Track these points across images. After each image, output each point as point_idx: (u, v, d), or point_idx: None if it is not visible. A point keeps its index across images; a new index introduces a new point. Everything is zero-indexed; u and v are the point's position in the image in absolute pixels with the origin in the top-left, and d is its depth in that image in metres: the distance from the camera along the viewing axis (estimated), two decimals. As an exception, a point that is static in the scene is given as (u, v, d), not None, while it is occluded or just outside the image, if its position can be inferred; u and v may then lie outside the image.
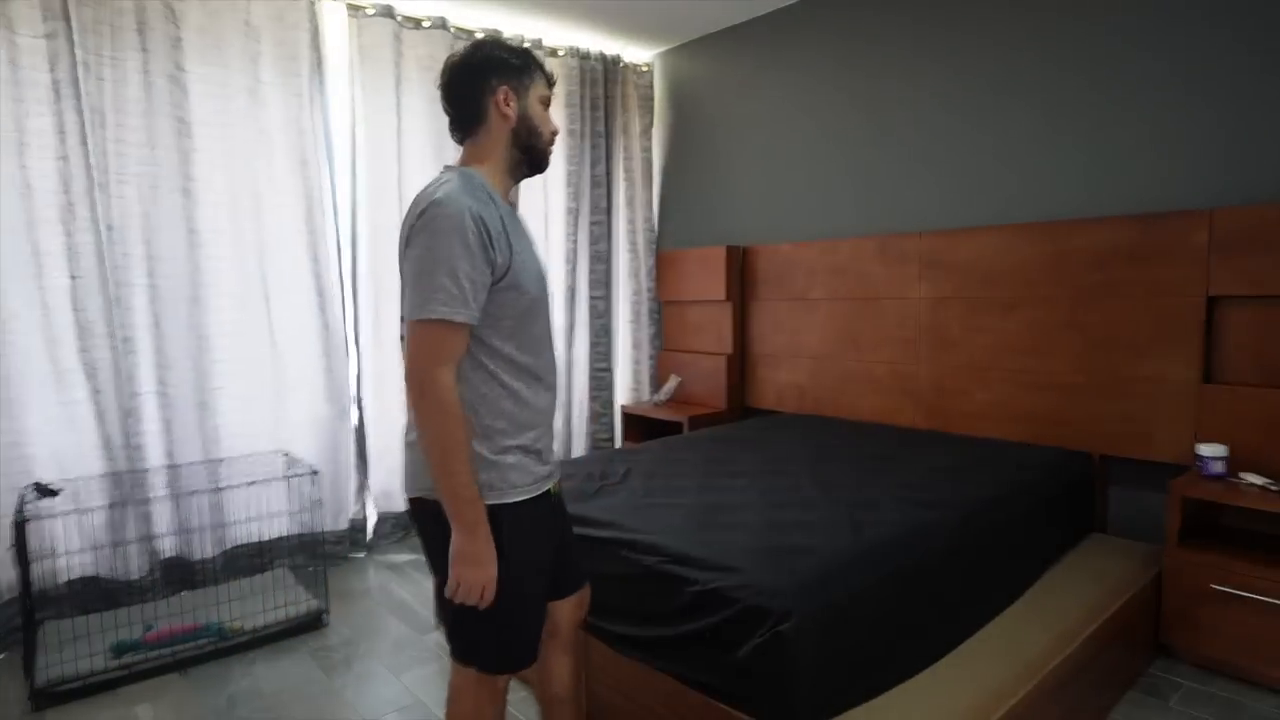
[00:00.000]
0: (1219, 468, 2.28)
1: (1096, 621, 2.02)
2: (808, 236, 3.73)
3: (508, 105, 1.42)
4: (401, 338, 1.36)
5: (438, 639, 2.61)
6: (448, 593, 1.32)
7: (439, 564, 1.38)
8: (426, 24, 3.59)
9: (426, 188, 1.35)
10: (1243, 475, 2.26)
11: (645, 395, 4.50)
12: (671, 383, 4.22)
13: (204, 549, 2.99)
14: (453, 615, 1.40)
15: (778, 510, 2.11)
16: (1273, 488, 2.17)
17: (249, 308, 3.15)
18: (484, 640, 1.40)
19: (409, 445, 1.42)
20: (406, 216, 1.35)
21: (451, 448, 1.27)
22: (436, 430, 1.27)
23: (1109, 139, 2.68)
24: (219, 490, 2.96)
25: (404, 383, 1.30)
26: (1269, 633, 2.10)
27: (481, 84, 1.42)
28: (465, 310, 1.27)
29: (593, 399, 4.31)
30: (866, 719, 1.56)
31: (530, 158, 1.49)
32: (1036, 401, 2.83)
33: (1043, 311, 2.80)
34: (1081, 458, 2.69)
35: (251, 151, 3.12)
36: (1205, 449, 2.31)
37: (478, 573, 1.29)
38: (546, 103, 1.49)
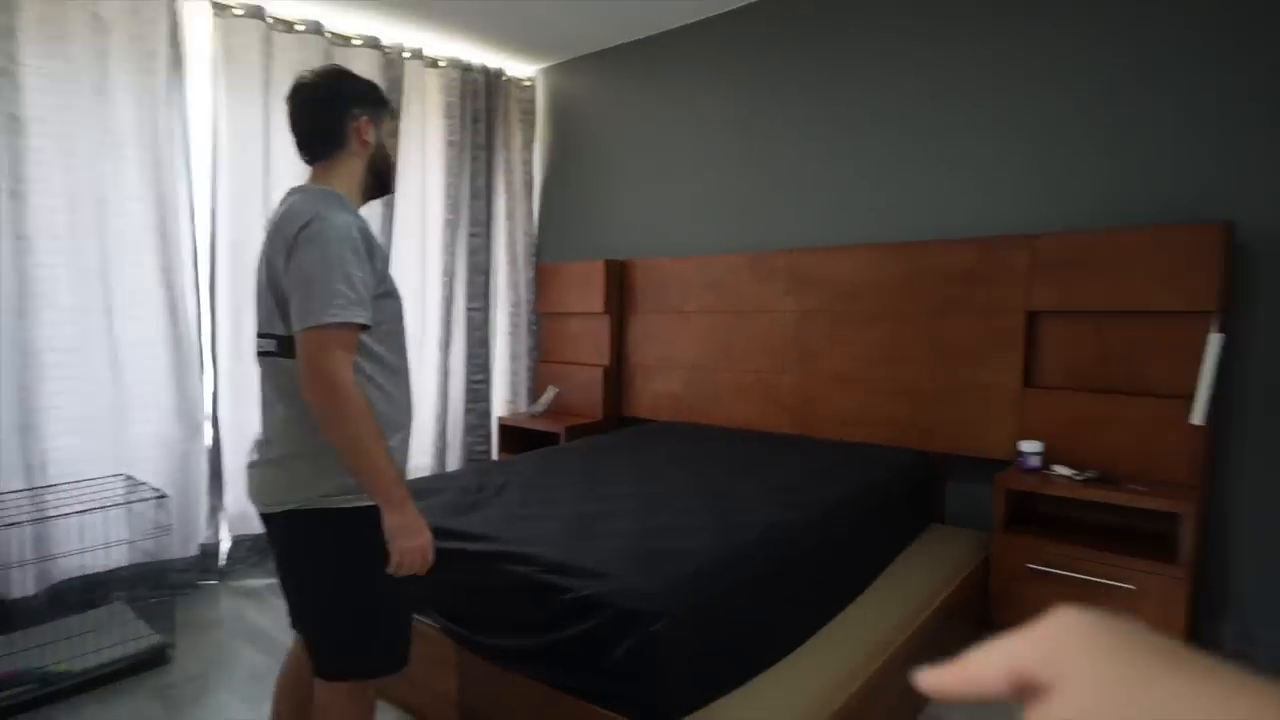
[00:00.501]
0: (1035, 462, 2.56)
1: (935, 603, 2.21)
2: (684, 252, 3.86)
3: (367, 134, 1.51)
4: (266, 352, 1.43)
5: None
6: (396, 570, 1.39)
7: (320, 574, 1.43)
8: (300, 28, 3.45)
9: (293, 205, 1.41)
10: (1055, 468, 2.54)
11: (523, 406, 4.48)
12: (549, 394, 4.22)
13: (24, 586, 2.68)
14: (326, 627, 1.42)
15: (652, 516, 2.16)
16: (1078, 478, 2.46)
17: (87, 321, 2.88)
18: (364, 643, 1.44)
19: (273, 461, 1.43)
20: (278, 232, 1.39)
21: (371, 437, 1.33)
22: (355, 425, 1.31)
23: (952, 168, 2.97)
24: (42, 520, 2.66)
25: (305, 386, 1.31)
26: (1073, 602, 2.37)
27: (344, 111, 1.49)
28: (363, 312, 1.34)
29: (468, 410, 4.24)
30: (732, 707, 1.63)
31: (380, 182, 1.59)
32: (891, 407, 3.06)
33: (897, 325, 3.04)
34: (927, 457, 2.93)
35: (97, 152, 2.88)
36: (1024, 445, 2.59)
37: (417, 540, 1.38)
38: (393, 134, 1.59)
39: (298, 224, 1.35)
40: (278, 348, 1.42)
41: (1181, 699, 0.24)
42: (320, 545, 1.41)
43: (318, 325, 1.29)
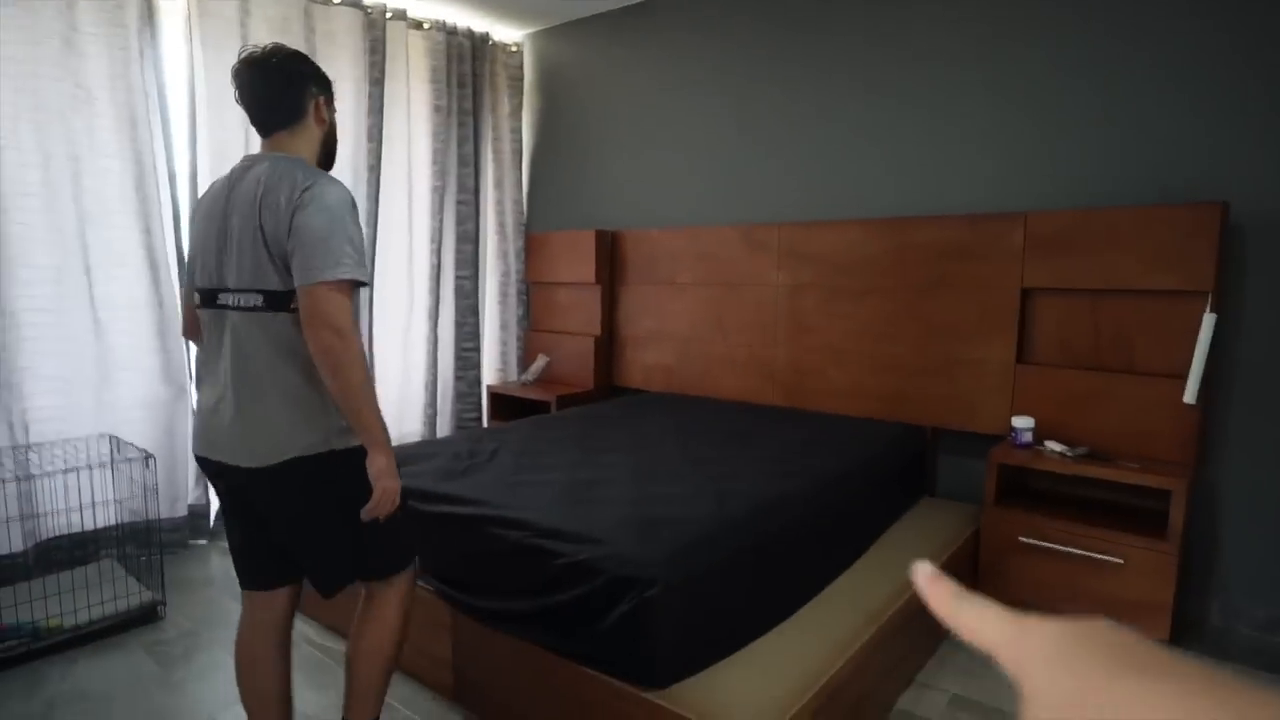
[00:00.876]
0: (1028, 437, 2.59)
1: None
2: (675, 223, 3.84)
3: (324, 112, 1.63)
4: (250, 307, 1.46)
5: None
6: (371, 510, 1.46)
7: (323, 516, 1.52)
8: (278, -19, 3.36)
9: (273, 171, 1.47)
10: (1047, 443, 2.57)
11: (513, 375, 4.47)
12: (540, 363, 4.21)
13: (11, 542, 2.67)
14: (368, 543, 1.57)
15: (645, 485, 2.17)
16: (1069, 454, 2.49)
17: (66, 281, 2.83)
18: (402, 539, 1.64)
19: (261, 415, 1.45)
20: (268, 194, 1.44)
21: (369, 384, 1.44)
22: (361, 373, 1.41)
23: (946, 144, 2.95)
24: (27, 478, 2.64)
25: (314, 334, 1.38)
26: (1063, 576, 2.42)
27: (305, 88, 1.57)
28: (363, 271, 1.44)
29: (458, 378, 4.23)
30: (725, 674, 1.65)
31: (329, 157, 1.68)
32: (882, 381, 3.08)
33: (889, 300, 3.04)
34: (919, 431, 2.96)
35: (67, 107, 2.79)
36: (1017, 421, 2.61)
37: (396, 482, 1.50)
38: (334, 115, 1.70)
39: (294, 189, 1.42)
40: (265, 302, 1.45)
41: (1133, 708, 0.25)
42: (334, 484, 1.49)
43: (329, 280, 1.38)
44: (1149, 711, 0.25)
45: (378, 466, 1.46)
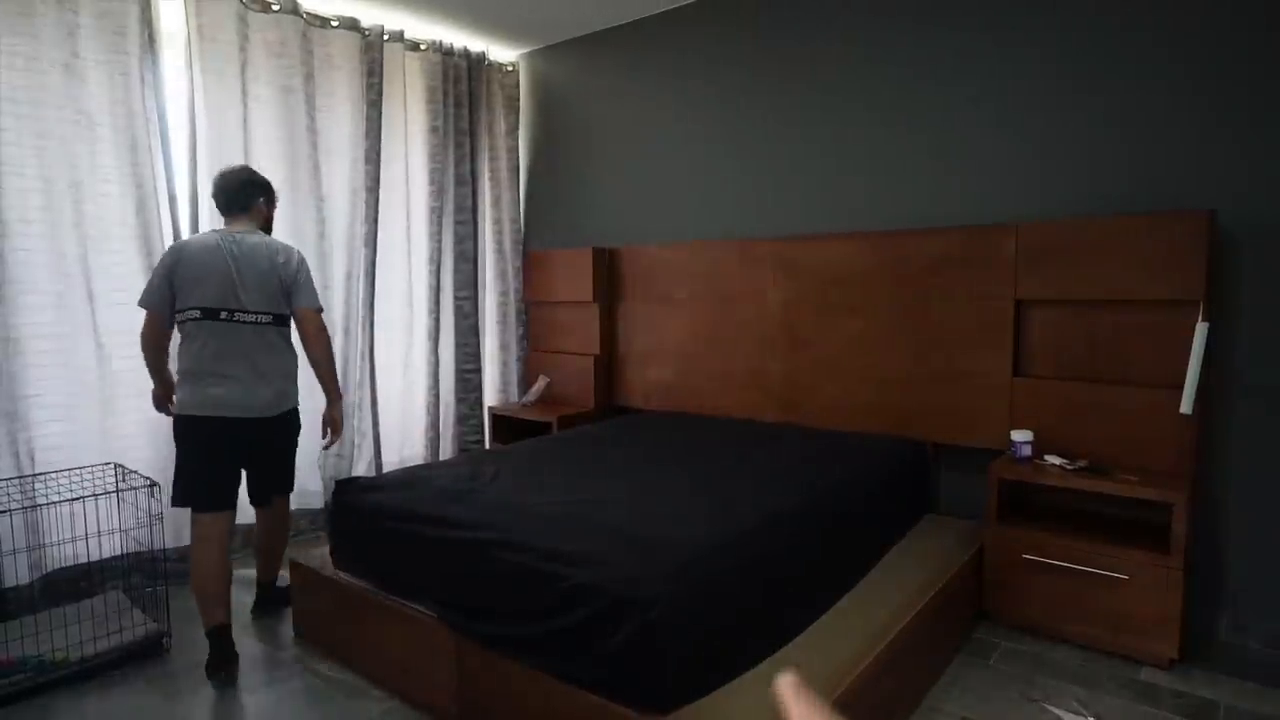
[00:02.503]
0: (1027, 450, 2.59)
1: (929, 594, 2.24)
2: (671, 239, 3.86)
3: (267, 211, 2.65)
4: (265, 323, 2.45)
5: (296, 654, 2.49)
6: (329, 443, 2.76)
7: (291, 446, 2.63)
8: (276, 7, 3.39)
9: (261, 241, 2.49)
10: (1046, 457, 2.58)
11: (514, 396, 4.48)
12: (540, 383, 4.22)
13: (17, 574, 2.67)
14: (289, 469, 2.65)
15: (646, 505, 2.18)
16: (1069, 467, 2.49)
17: (69, 307, 2.84)
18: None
19: (274, 386, 2.46)
20: (272, 254, 2.47)
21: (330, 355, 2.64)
22: (331, 358, 2.63)
23: (937, 157, 2.98)
24: (33, 508, 2.65)
25: (314, 338, 2.55)
26: (1069, 594, 2.42)
27: (259, 194, 2.61)
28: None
29: (460, 400, 4.24)
30: (731, 697, 1.65)
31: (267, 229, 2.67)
32: (880, 395, 3.09)
33: (884, 313, 3.06)
34: (918, 445, 2.97)
35: (69, 133, 2.82)
36: (1016, 434, 2.62)
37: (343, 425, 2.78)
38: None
39: (289, 254, 2.53)
40: (275, 320, 2.48)
41: None
42: (293, 426, 2.60)
43: (317, 308, 2.56)
44: None
45: (336, 415, 2.70)
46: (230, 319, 2.37)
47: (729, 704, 1.63)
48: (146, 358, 2.49)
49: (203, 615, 2.39)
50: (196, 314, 2.35)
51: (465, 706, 2.00)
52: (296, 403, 2.58)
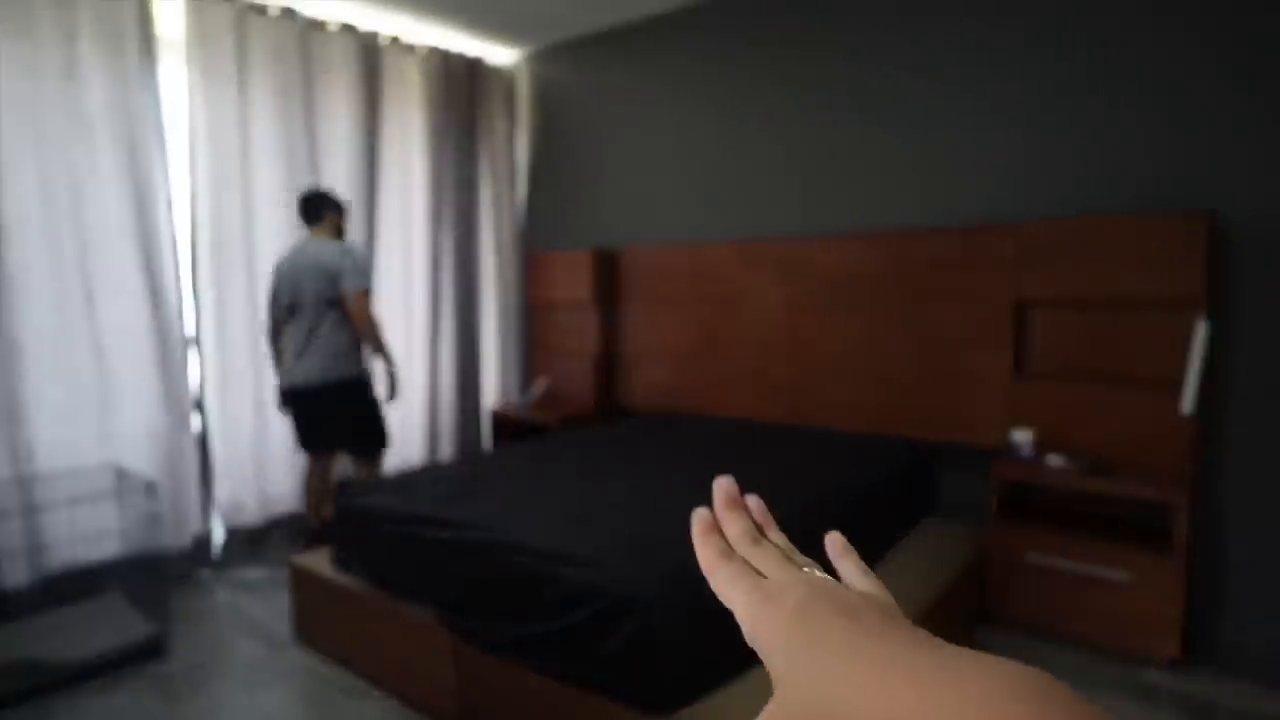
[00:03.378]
0: (1028, 451, 2.59)
1: (931, 594, 2.24)
2: (672, 240, 3.86)
3: (340, 220, 3.17)
4: (303, 309, 3.02)
5: (297, 655, 2.49)
6: (389, 399, 3.25)
7: (369, 413, 3.18)
8: (274, 11, 3.39)
9: (323, 246, 3.03)
10: (1048, 457, 2.57)
11: (514, 397, 4.47)
12: (540, 384, 4.22)
13: (16, 576, 2.67)
14: (360, 432, 3.18)
15: (646, 506, 2.18)
16: (1070, 467, 2.49)
17: (67, 309, 2.84)
18: (381, 434, 3.24)
19: (328, 357, 3.03)
20: (323, 255, 3.00)
21: (382, 337, 3.13)
22: (373, 328, 3.06)
23: (937, 157, 2.97)
24: (32, 510, 2.65)
25: (359, 314, 3.00)
26: (1070, 594, 2.42)
27: (327, 208, 3.12)
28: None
29: (459, 401, 4.23)
30: (730, 699, 1.65)
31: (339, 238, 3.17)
32: (881, 396, 3.08)
33: (885, 314, 3.05)
34: (920, 446, 2.96)
35: (69, 136, 2.82)
36: (1017, 435, 2.62)
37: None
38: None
39: (340, 248, 3.03)
40: (330, 304, 2.99)
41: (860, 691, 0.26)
42: (360, 396, 3.14)
43: (358, 289, 2.99)
44: (877, 702, 0.25)
45: (391, 375, 3.23)
46: (293, 311, 3.04)
47: (728, 704, 1.63)
48: (268, 341, 3.24)
49: (308, 517, 3.24)
50: (280, 308, 3.08)
51: (465, 707, 2.00)
52: (348, 375, 3.05)
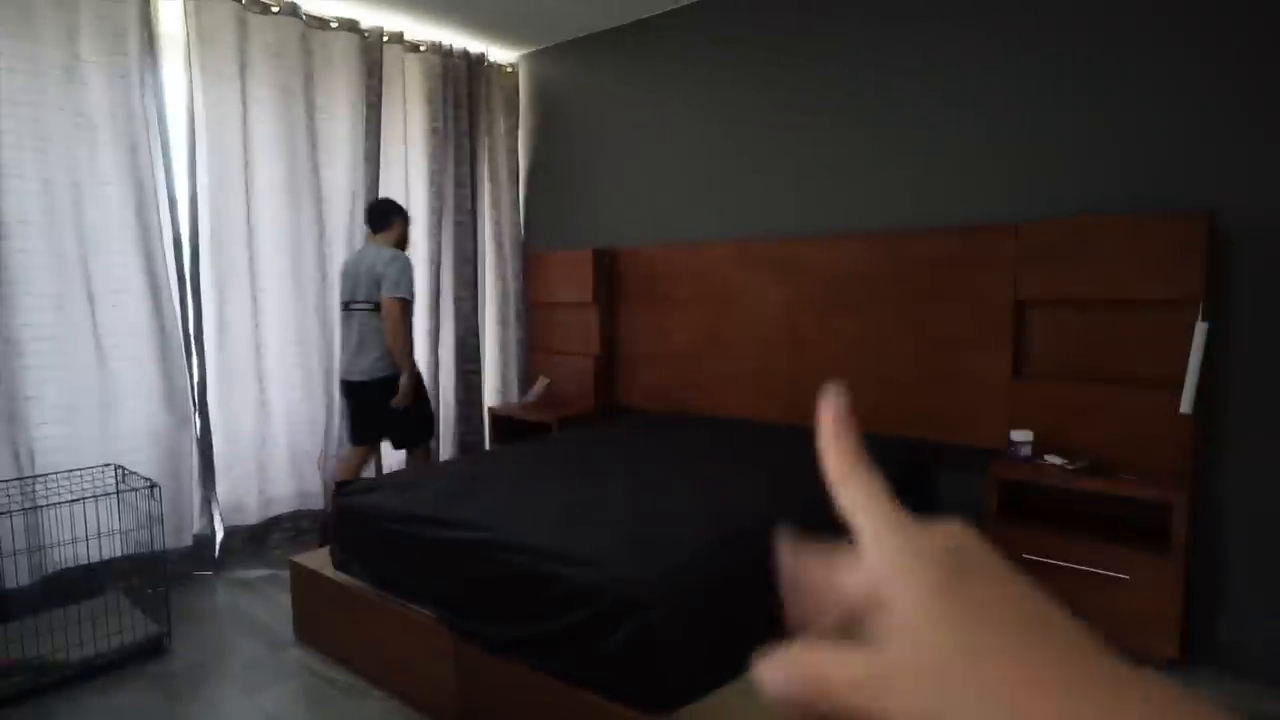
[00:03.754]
0: (1027, 451, 2.59)
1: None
2: (671, 240, 3.86)
3: (402, 228, 3.37)
4: (364, 310, 3.24)
5: (297, 655, 2.49)
6: (396, 403, 3.26)
7: (418, 411, 3.41)
8: (275, 9, 3.39)
9: (378, 251, 3.23)
10: (1046, 457, 2.58)
11: (514, 396, 4.48)
12: (540, 384, 4.22)
13: (18, 576, 2.67)
14: (397, 426, 3.37)
15: (646, 505, 2.18)
16: (1069, 467, 2.49)
17: (68, 308, 2.84)
18: (428, 426, 3.54)
19: (368, 357, 3.24)
20: (374, 259, 3.20)
21: (406, 346, 3.26)
22: (399, 335, 3.18)
23: (936, 156, 2.97)
24: (34, 509, 2.65)
25: (388, 318, 3.15)
26: (1069, 594, 2.41)
27: (391, 217, 3.33)
28: (411, 295, 3.24)
29: (460, 400, 4.24)
30: (729, 698, 1.65)
31: (401, 246, 3.36)
32: (881, 396, 3.09)
33: (884, 314, 3.06)
34: (919, 446, 2.96)
35: (69, 135, 2.82)
36: (1015, 435, 2.62)
37: (407, 396, 3.29)
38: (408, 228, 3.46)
39: (388, 257, 3.18)
40: (375, 308, 3.20)
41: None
42: (383, 398, 3.25)
43: (393, 296, 3.14)
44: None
45: (403, 382, 3.25)
46: (349, 309, 3.29)
47: (728, 704, 1.63)
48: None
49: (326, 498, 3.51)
50: (341, 307, 3.38)
51: (465, 706, 2.01)
52: (394, 373, 3.24)
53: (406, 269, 3.18)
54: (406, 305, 3.19)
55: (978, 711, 0.20)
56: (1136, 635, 2.31)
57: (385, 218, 3.30)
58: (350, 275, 3.28)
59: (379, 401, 3.25)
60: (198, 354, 3.23)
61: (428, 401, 3.51)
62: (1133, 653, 2.34)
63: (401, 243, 3.34)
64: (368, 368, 3.22)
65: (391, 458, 3.73)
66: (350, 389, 3.33)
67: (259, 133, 3.38)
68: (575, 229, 4.33)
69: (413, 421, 3.37)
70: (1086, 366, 2.63)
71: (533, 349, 4.47)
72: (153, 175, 3.02)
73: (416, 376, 3.35)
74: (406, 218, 3.38)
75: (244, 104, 3.31)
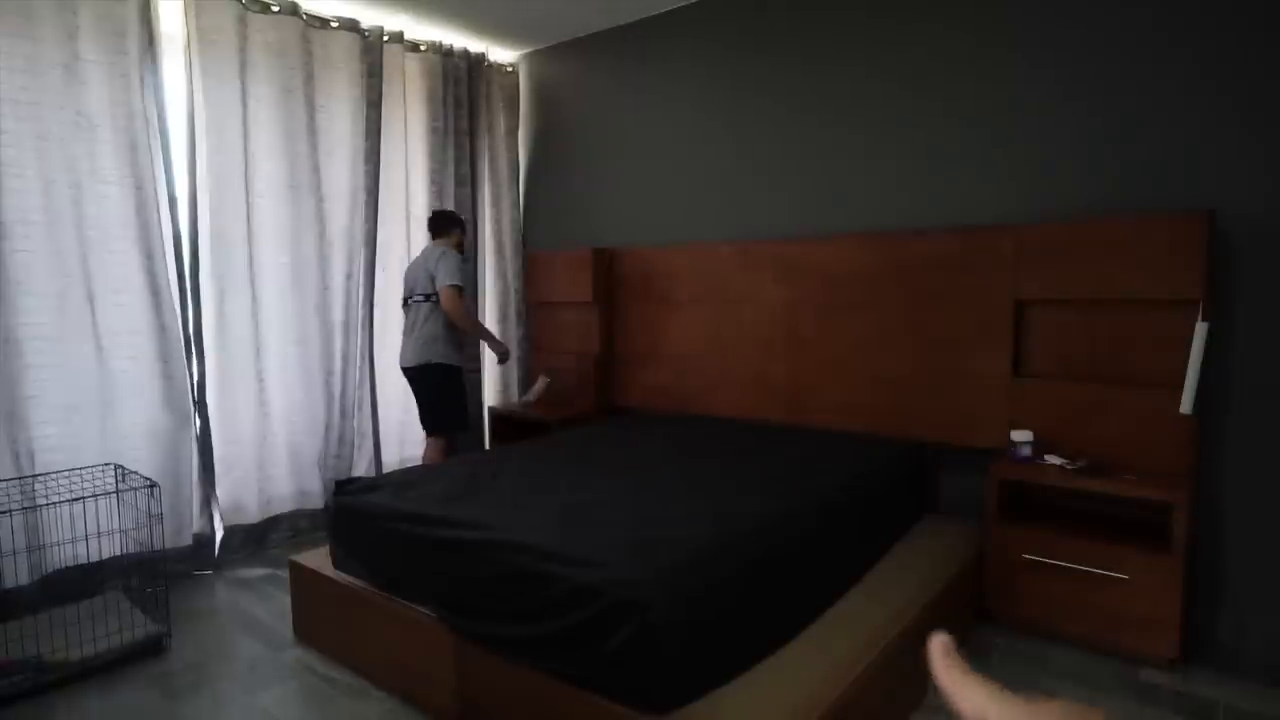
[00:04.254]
0: (1027, 451, 2.59)
1: (929, 595, 2.24)
2: (672, 240, 3.86)
3: (459, 237, 3.68)
4: (421, 301, 3.55)
5: (296, 654, 2.49)
6: (500, 361, 3.90)
7: (440, 398, 3.60)
8: (276, 9, 3.39)
9: (432, 250, 3.56)
10: (1047, 457, 2.58)
11: (514, 396, 4.48)
12: (540, 383, 4.22)
13: (17, 575, 2.67)
14: (440, 412, 3.62)
15: (645, 505, 2.18)
16: (1069, 467, 2.49)
17: (68, 308, 2.84)
18: (458, 416, 3.70)
19: (424, 343, 3.52)
20: (428, 259, 3.53)
21: (474, 322, 3.76)
22: (463, 316, 3.50)
23: (936, 156, 2.97)
24: (33, 508, 2.65)
25: (446, 304, 3.44)
26: (1069, 594, 2.42)
27: (450, 227, 3.67)
28: (463, 282, 3.53)
29: (460, 401, 4.23)
30: (729, 698, 1.65)
31: (461, 251, 3.67)
32: (881, 396, 3.08)
33: (885, 314, 3.05)
34: (919, 447, 2.96)
35: (69, 134, 2.82)
36: (1016, 435, 2.62)
37: (503, 354, 3.89)
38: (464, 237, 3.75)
39: (440, 253, 3.49)
40: (426, 299, 3.51)
41: None
42: (433, 376, 3.54)
43: (447, 284, 3.43)
44: None
45: (496, 348, 3.83)
46: (407, 303, 3.62)
47: (728, 705, 1.63)
48: None
49: None
50: (402, 304, 3.70)
51: (465, 706, 2.00)
52: (434, 359, 3.49)
53: (455, 261, 3.47)
54: (459, 290, 3.44)
55: None
56: (1137, 635, 2.31)
57: (442, 226, 3.65)
58: (409, 275, 3.62)
59: (422, 385, 3.56)
60: (197, 353, 3.23)
61: (462, 393, 3.67)
62: (1133, 652, 2.34)
63: (459, 247, 3.65)
64: (412, 355, 3.51)
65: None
66: (407, 376, 3.62)
67: (259, 132, 3.38)
68: (575, 229, 4.33)
69: (439, 406, 3.58)
70: (1087, 367, 2.63)
71: (533, 349, 4.47)
72: (153, 174, 3.02)
73: (456, 370, 3.59)
74: (463, 227, 3.73)
75: (244, 103, 3.31)
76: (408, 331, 3.60)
